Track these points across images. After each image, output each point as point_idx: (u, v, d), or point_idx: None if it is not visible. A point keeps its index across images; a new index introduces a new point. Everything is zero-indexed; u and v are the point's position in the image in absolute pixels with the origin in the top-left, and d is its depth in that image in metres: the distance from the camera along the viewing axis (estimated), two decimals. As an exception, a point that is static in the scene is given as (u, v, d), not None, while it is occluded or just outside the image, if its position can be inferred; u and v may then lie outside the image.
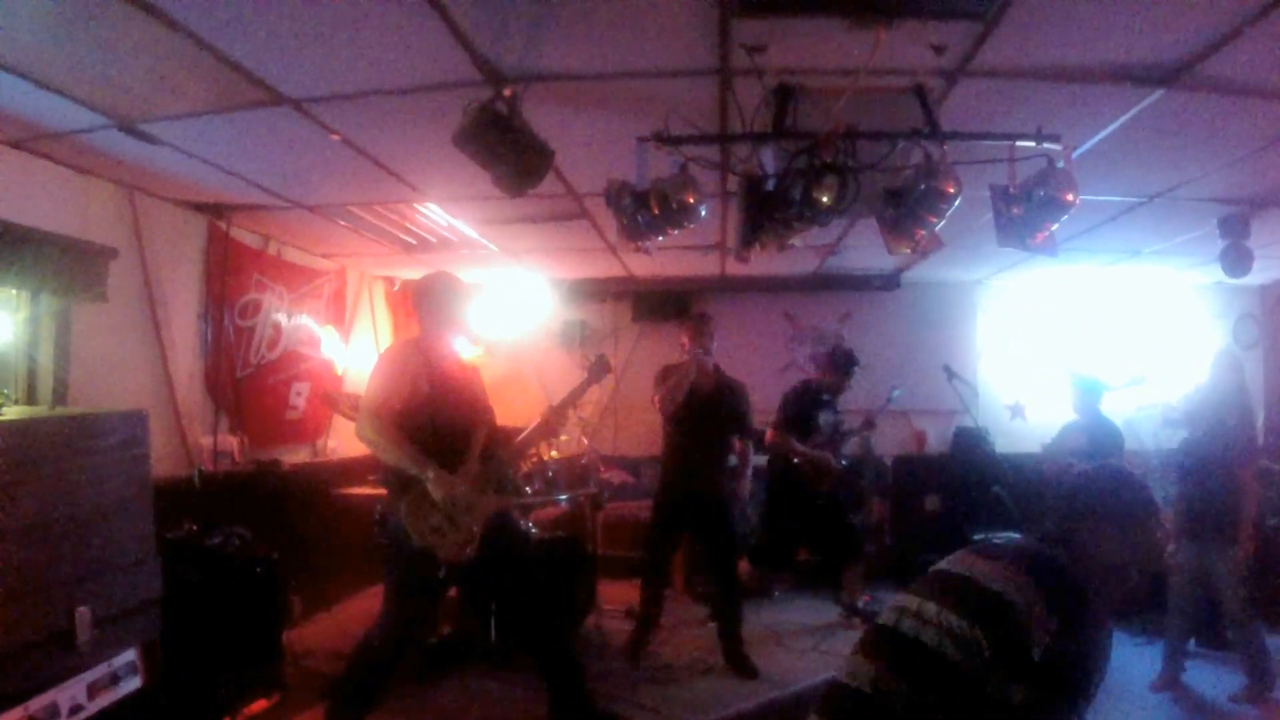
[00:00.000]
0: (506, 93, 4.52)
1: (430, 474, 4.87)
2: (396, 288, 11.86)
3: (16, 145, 5.72)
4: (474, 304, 5.62)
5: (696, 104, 5.04)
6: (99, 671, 4.55)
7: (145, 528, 4.95)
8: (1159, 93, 4.79)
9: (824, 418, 8.50)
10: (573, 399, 6.15)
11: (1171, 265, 9.92)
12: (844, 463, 8.81)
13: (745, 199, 4.94)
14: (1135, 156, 5.95)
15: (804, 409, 8.47)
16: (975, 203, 5.28)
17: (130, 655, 4.80)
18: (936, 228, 4.83)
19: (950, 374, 8.61)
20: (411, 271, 11.25)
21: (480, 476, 5.20)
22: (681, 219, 4.70)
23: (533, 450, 7.58)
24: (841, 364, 8.53)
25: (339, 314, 10.24)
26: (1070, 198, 4.61)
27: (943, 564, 2.83)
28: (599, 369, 6.36)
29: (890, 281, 11.46)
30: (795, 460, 8.31)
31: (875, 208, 4.90)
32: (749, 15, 4.01)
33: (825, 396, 8.57)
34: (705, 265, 10.44)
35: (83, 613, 4.38)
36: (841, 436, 8.72)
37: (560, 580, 7.48)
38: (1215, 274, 8.51)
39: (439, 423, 5.08)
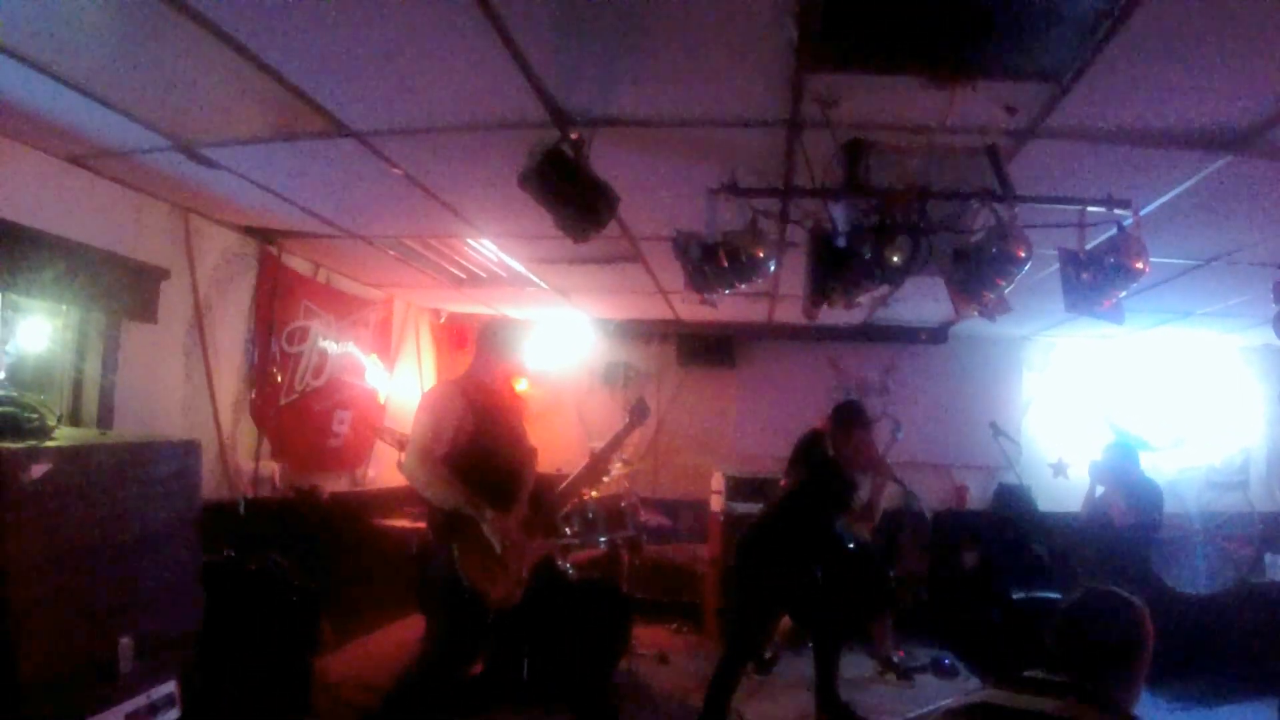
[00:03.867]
0: (574, 136, 4.49)
1: (487, 516, 4.81)
2: (443, 320, 11.86)
3: (75, 161, 5.73)
4: (531, 345, 5.60)
5: (762, 154, 4.99)
6: (138, 702, 4.51)
7: (191, 558, 4.93)
8: (1226, 158, 4.72)
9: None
10: (615, 444, 6.12)
11: (1221, 328, 9.77)
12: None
13: (815, 255, 4.88)
14: (1197, 220, 5.85)
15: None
16: (1033, 260, 5.20)
17: (169, 687, 4.75)
18: (1005, 291, 4.76)
19: (996, 430, 8.51)
20: (459, 305, 11.27)
21: (529, 521, 5.15)
22: (750, 272, 4.66)
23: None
24: (840, 418, 8.39)
25: (384, 344, 10.23)
26: (1140, 265, 4.54)
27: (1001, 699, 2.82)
28: (640, 413, 6.30)
29: (938, 335, 11.34)
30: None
31: (944, 268, 4.83)
32: (823, 68, 3.98)
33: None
34: (752, 311, 10.37)
35: (125, 643, 4.35)
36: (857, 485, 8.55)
37: (595, 623, 7.40)
38: (1264, 336, 8.41)
39: (488, 465, 5.03)
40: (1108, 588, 3.04)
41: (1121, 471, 7.69)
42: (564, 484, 5.97)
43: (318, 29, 3.83)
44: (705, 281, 4.86)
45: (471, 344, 5.62)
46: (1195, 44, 3.59)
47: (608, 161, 4.75)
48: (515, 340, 5.46)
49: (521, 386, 5.75)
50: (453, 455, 4.93)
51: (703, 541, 10.73)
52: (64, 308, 5.91)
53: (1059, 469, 11.50)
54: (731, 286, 4.83)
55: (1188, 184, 5.15)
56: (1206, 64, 3.76)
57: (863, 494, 8.09)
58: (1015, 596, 8.75)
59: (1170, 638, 3.66)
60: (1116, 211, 4.63)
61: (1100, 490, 7.89)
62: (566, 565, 7.70)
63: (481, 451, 5.02)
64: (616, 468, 8.90)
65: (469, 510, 4.82)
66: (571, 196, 4.51)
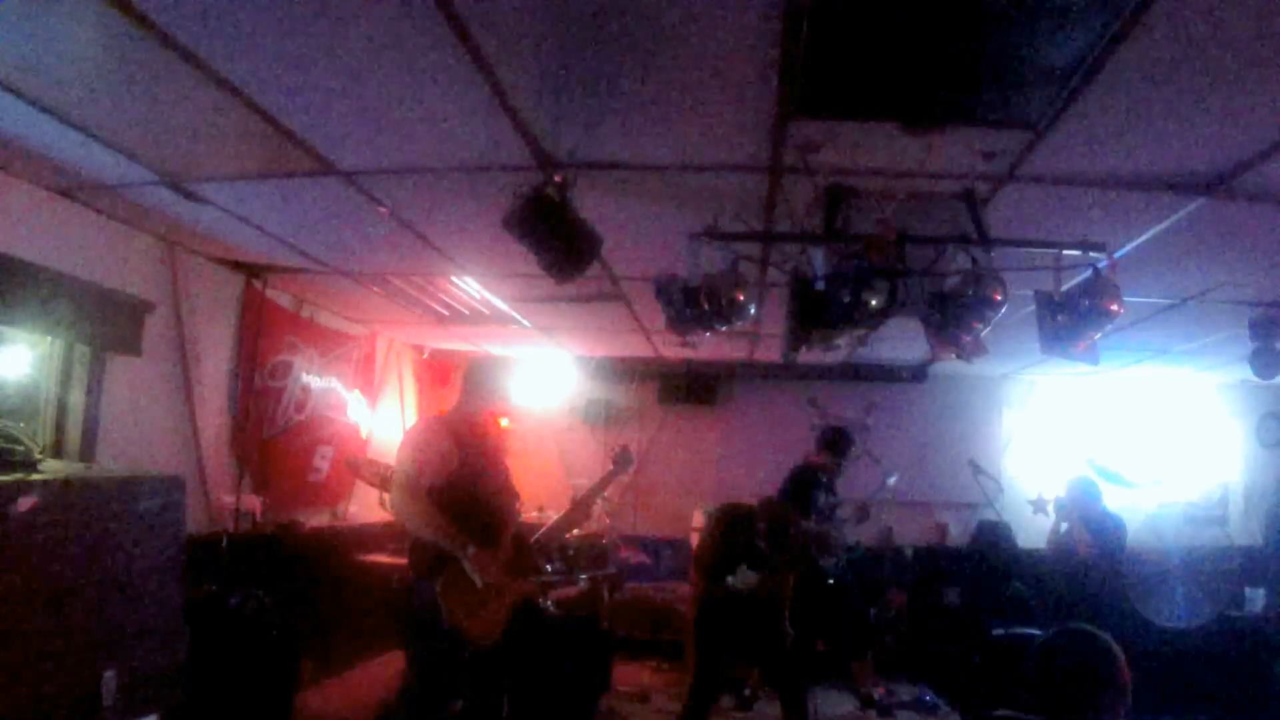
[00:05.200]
0: (558, 179, 4.54)
1: (470, 553, 4.82)
2: (425, 356, 11.89)
3: (63, 193, 5.74)
4: (515, 382, 5.63)
5: (743, 198, 5.07)
6: (120, 738, 4.50)
7: (175, 593, 4.92)
8: (1200, 201, 4.82)
9: (821, 499, 8.41)
10: (598, 491, 6.21)
11: (1198, 365, 9.89)
12: (852, 548, 8.71)
13: (794, 300, 4.94)
14: (1172, 261, 5.96)
15: (800, 489, 8.39)
16: (1009, 301, 5.28)
17: (152, 722, 4.75)
18: (982, 334, 4.83)
19: (976, 468, 8.56)
20: (442, 342, 11.29)
21: (511, 560, 5.17)
22: (731, 315, 4.71)
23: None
24: (831, 441, 8.46)
25: (367, 379, 10.25)
26: (1115, 307, 4.62)
27: None
28: (623, 461, 6.36)
29: (918, 374, 11.45)
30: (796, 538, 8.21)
31: (921, 311, 4.90)
32: (805, 116, 4.06)
33: (823, 478, 8.49)
34: (734, 350, 10.44)
35: (109, 677, 4.34)
36: (839, 517, 8.61)
37: (576, 660, 7.40)
38: (1240, 373, 8.50)
39: (472, 502, 5.04)
40: (1080, 626, 3.08)
41: (1084, 507, 7.80)
42: (546, 527, 6.01)
43: (308, 70, 3.89)
44: (686, 324, 4.92)
45: (456, 381, 5.64)
46: (1168, 91, 3.69)
47: (591, 204, 4.80)
48: (499, 378, 5.48)
49: (504, 424, 5.75)
50: (437, 491, 4.94)
51: (683, 579, 10.71)
52: (49, 338, 5.93)
53: (1039, 506, 11.44)
54: (712, 329, 4.89)
55: (1162, 226, 5.26)
56: (1179, 110, 3.86)
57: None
58: (996, 633, 8.77)
59: (1149, 671, 3.69)
60: (1091, 254, 4.71)
61: (1065, 526, 7.98)
62: (548, 603, 7.70)
63: (466, 488, 5.03)
64: (597, 506, 8.92)
65: (452, 546, 4.83)
66: (555, 239, 4.56)
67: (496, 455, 5.44)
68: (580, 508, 6.18)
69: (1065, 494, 7.99)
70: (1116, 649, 2.95)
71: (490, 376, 5.46)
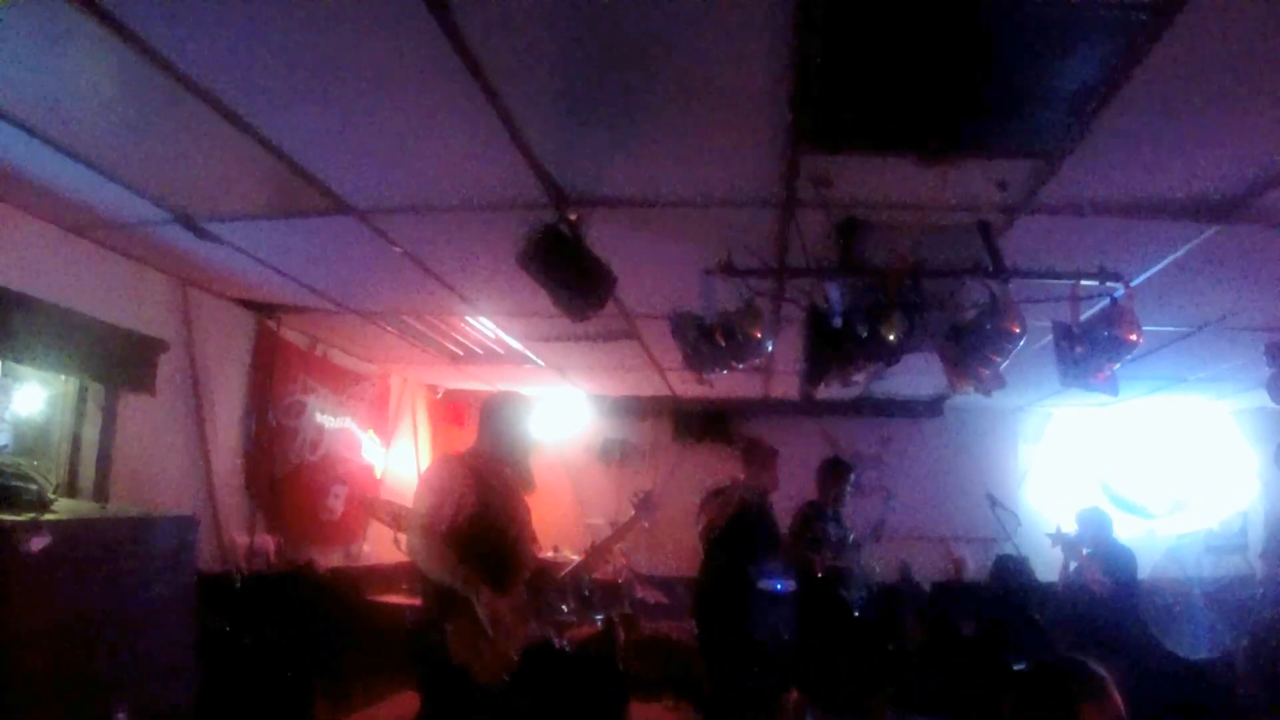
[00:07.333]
0: (571, 216, 4.54)
1: (483, 597, 4.76)
2: (439, 395, 11.88)
3: (77, 231, 5.76)
4: (538, 422, 5.51)
5: (757, 233, 5.05)
6: (129, 776, 4.46)
7: (187, 632, 4.90)
8: (1214, 228, 4.80)
9: (831, 531, 8.36)
10: (619, 537, 6.12)
11: (1215, 392, 9.82)
12: (872, 582, 8.65)
13: (811, 335, 4.91)
14: (1187, 288, 5.93)
15: (810, 524, 8.34)
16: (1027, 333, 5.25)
17: (163, 761, 4.71)
18: (1001, 367, 4.79)
19: (993, 502, 8.50)
20: (456, 381, 11.28)
21: (526, 605, 5.10)
22: (747, 352, 4.70)
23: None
24: (828, 474, 8.41)
25: (381, 419, 10.24)
26: (1133, 337, 4.60)
27: None
28: (647, 507, 6.19)
29: (933, 407, 11.40)
30: (819, 574, 8.16)
31: (939, 345, 4.87)
32: (818, 149, 4.05)
33: (827, 511, 8.44)
34: (748, 386, 10.40)
35: (121, 716, 4.31)
36: (851, 548, 8.55)
37: (591, 699, 7.32)
38: (1258, 399, 8.42)
39: (488, 544, 4.97)
40: (1072, 656, 3.02)
41: (1094, 538, 7.74)
42: (563, 573, 5.93)
43: (323, 109, 3.90)
44: (703, 361, 4.90)
45: (473, 418, 5.55)
46: (1181, 118, 3.68)
47: (605, 241, 4.80)
48: (522, 414, 5.39)
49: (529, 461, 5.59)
50: (453, 533, 4.88)
51: (700, 618, 10.62)
52: (63, 376, 5.93)
53: (1057, 539, 11.43)
54: (728, 366, 4.87)
55: (1178, 254, 5.23)
56: (1192, 137, 3.86)
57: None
58: (1016, 667, 8.69)
59: (1170, 702, 3.64)
60: (1108, 284, 4.69)
61: (1074, 565, 7.92)
62: (563, 643, 7.63)
63: (482, 531, 4.95)
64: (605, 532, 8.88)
65: (465, 589, 4.77)
66: (569, 276, 4.55)
67: (515, 497, 5.36)
68: (599, 554, 6.09)
69: (1076, 526, 7.92)
70: (1106, 678, 2.88)
71: (511, 412, 5.33)
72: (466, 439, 5.46)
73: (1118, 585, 7.55)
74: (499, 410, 5.29)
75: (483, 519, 4.93)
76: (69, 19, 3.16)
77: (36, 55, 3.52)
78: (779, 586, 7.96)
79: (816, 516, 8.38)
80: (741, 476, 7.47)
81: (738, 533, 7.37)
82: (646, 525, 6.04)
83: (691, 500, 7.57)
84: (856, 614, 8.21)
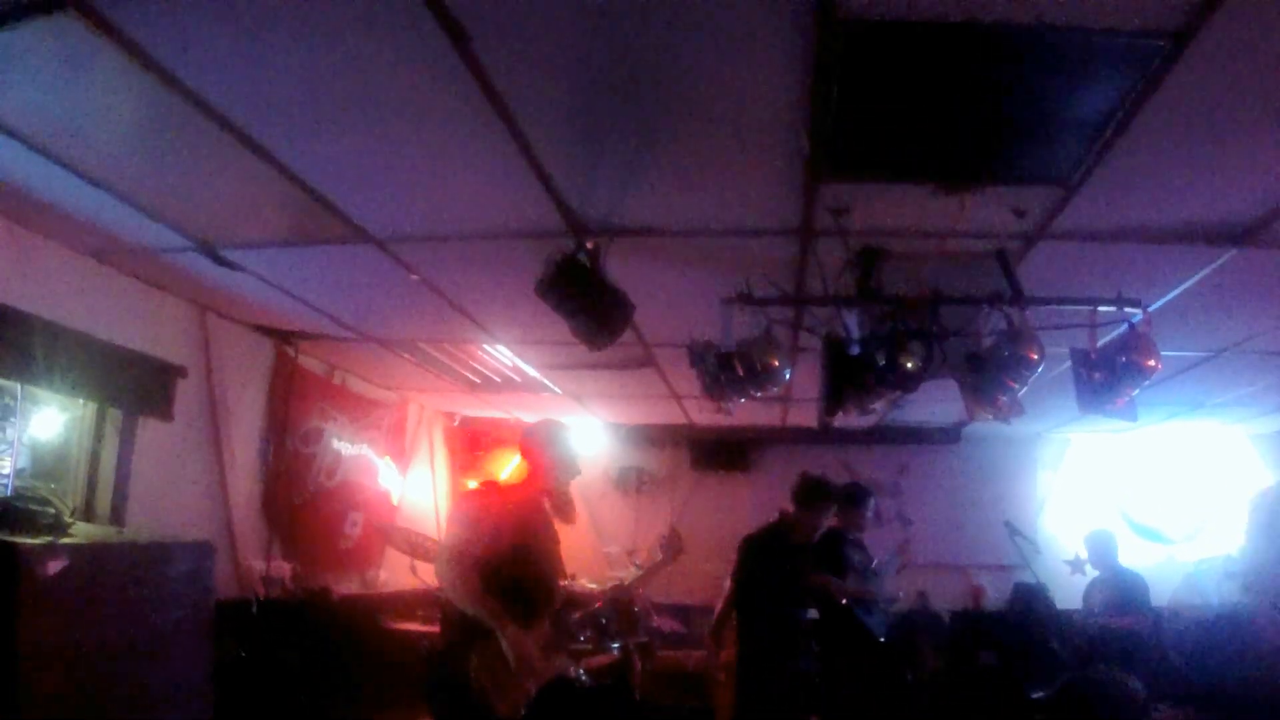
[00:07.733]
0: (589, 245, 4.55)
1: (509, 632, 4.73)
2: (456, 422, 11.88)
3: (97, 257, 5.80)
4: (581, 445, 5.42)
5: (775, 261, 5.07)
6: (143, 803, 4.45)
7: (202, 658, 4.90)
8: (1231, 252, 4.80)
9: (855, 557, 8.32)
10: (646, 580, 6.09)
11: (1232, 417, 9.75)
12: (890, 610, 8.61)
13: (830, 364, 4.90)
14: (1205, 313, 5.92)
15: (833, 551, 8.30)
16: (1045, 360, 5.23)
17: (176, 787, 4.70)
18: (1019, 394, 4.77)
19: (1012, 530, 8.45)
20: (473, 409, 11.29)
21: (550, 640, 5.08)
22: (766, 381, 4.69)
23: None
24: (845, 500, 8.36)
25: (398, 446, 10.25)
26: (1152, 363, 4.57)
27: None
28: (673, 549, 6.12)
29: (951, 435, 11.36)
30: (843, 600, 8.12)
31: (957, 373, 4.86)
32: (836, 178, 4.06)
33: (850, 536, 8.40)
34: (766, 415, 10.37)
35: (134, 744, 4.32)
36: (875, 573, 8.51)
37: (606, 730, 7.29)
38: (1275, 423, 8.38)
39: (518, 578, 4.94)
40: (1108, 670, 3.01)
41: (1101, 564, 7.71)
42: (585, 611, 5.91)
43: (345, 139, 3.93)
44: (721, 390, 4.89)
45: (505, 446, 5.51)
46: (1197, 143, 3.69)
47: (623, 270, 4.81)
48: (572, 441, 5.23)
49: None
50: (484, 564, 4.84)
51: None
52: (81, 401, 5.95)
53: (1077, 566, 11.33)
54: (747, 395, 4.86)
55: (1196, 278, 5.23)
56: (1208, 162, 3.86)
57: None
58: (1035, 696, 8.62)
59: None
60: (1126, 310, 4.67)
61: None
62: (579, 672, 7.60)
63: (513, 565, 4.92)
64: (630, 572, 8.84)
65: (491, 622, 4.75)
66: (587, 305, 4.55)
67: (550, 529, 5.32)
68: (625, 593, 6.04)
69: (1084, 548, 7.88)
70: (1141, 692, 2.86)
71: (561, 439, 5.18)
72: (488, 467, 5.44)
73: (1140, 616, 7.48)
74: (555, 437, 5.18)
75: (515, 554, 4.89)
76: (92, 46, 3.18)
77: (59, 82, 3.56)
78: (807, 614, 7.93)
79: (838, 540, 8.35)
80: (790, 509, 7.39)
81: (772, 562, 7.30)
82: (671, 566, 5.99)
83: (708, 527, 7.51)
84: (881, 640, 8.17)
